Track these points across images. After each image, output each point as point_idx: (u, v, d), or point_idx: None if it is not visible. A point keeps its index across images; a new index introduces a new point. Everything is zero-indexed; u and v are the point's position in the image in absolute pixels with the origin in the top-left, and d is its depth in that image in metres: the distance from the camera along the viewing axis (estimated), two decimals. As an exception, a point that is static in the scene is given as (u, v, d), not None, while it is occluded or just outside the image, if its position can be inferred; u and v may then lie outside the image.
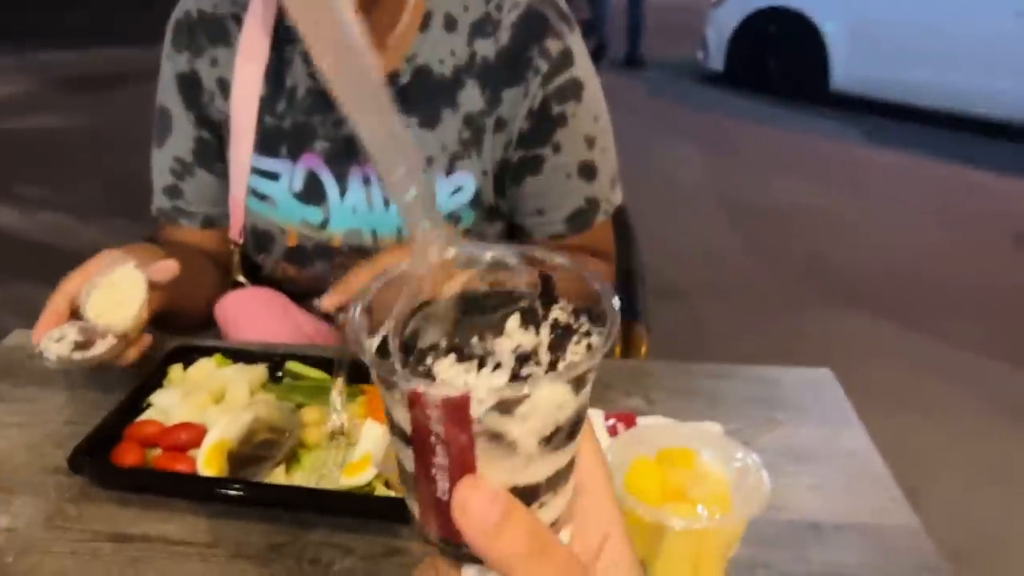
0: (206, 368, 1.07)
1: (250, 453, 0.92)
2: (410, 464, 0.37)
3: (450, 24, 1.17)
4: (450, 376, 0.36)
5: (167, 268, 1.01)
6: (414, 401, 0.34)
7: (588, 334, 0.39)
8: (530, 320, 0.38)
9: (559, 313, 0.40)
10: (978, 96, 5.51)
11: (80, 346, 0.95)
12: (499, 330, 0.38)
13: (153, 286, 1.01)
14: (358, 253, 1.25)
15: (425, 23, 1.17)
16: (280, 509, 0.88)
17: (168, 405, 1.00)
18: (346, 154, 1.21)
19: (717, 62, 7.00)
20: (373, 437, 0.93)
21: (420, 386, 0.33)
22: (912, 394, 2.82)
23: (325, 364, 1.07)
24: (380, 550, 0.85)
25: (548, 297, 0.40)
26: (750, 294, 3.48)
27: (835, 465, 0.99)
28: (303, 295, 1.33)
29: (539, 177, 1.20)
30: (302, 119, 1.21)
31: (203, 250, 1.32)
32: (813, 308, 3.43)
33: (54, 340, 0.94)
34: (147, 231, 1.50)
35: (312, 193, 1.23)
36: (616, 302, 0.38)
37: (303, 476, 0.91)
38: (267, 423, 0.95)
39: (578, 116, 1.19)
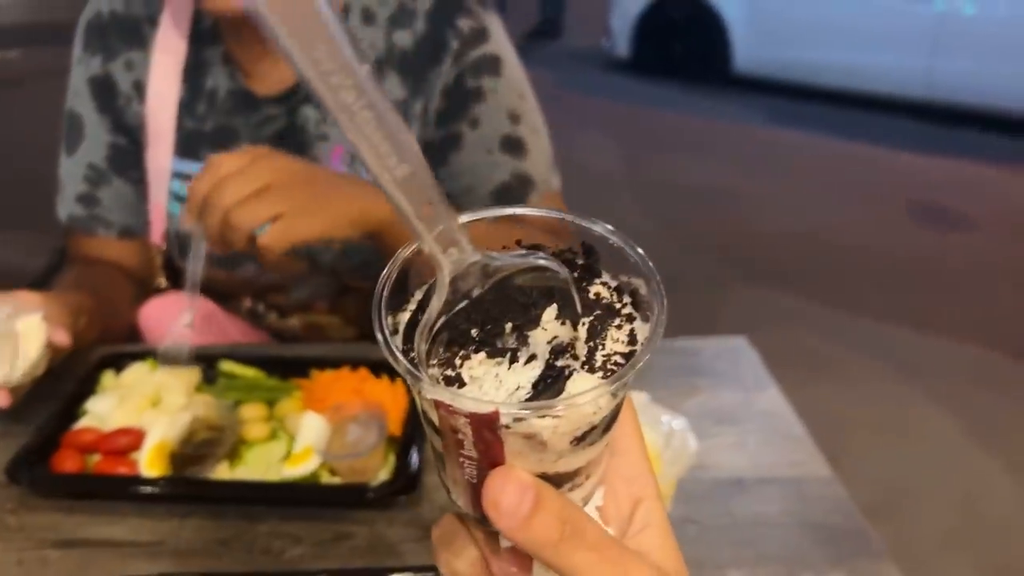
0: (139, 372, 1.06)
1: (192, 452, 0.93)
2: (439, 447, 0.37)
3: (368, 17, 1.18)
4: (480, 373, 0.35)
5: (61, 338, 0.99)
6: (440, 406, 0.33)
7: (631, 319, 0.37)
8: (568, 313, 0.37)
9: (601, 288, 0.38)
10: (869, 73, 5.77)
11: None
12: (535, 321, 0.36)
13: (50, 344, 0.98)
14: (289, 253, 1.24)
15: (343, 18, 1.18)
16: (227, 504, 0.89)
17: (104, 411, 0.99)
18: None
19: (623, 49, 7.12)
20: (313, 428, 0.95)
21: (446, 397, 0.33)
22: (821, 360, 2.96)
23: (258, 362, 1.09)
24: (329, 536, 0.87)
25: (590, 271, 0.39)
26: (666, 273, 3.53)
27: (754, 425, 1.06)
28: (230, 296, 1.32)
29: (460, 154, 1.19)
30: (223, 121, 1.20)
31: (120, 265, 1.28)
32: (725, 282, 3.55)
33: None
34: (56, 244, 1.42)
35: None
36: (661, 289, 0.37)
37: (247, 470, 0.93)
38: (206, 422, 0.96)
39: (499, 91, 1.19)
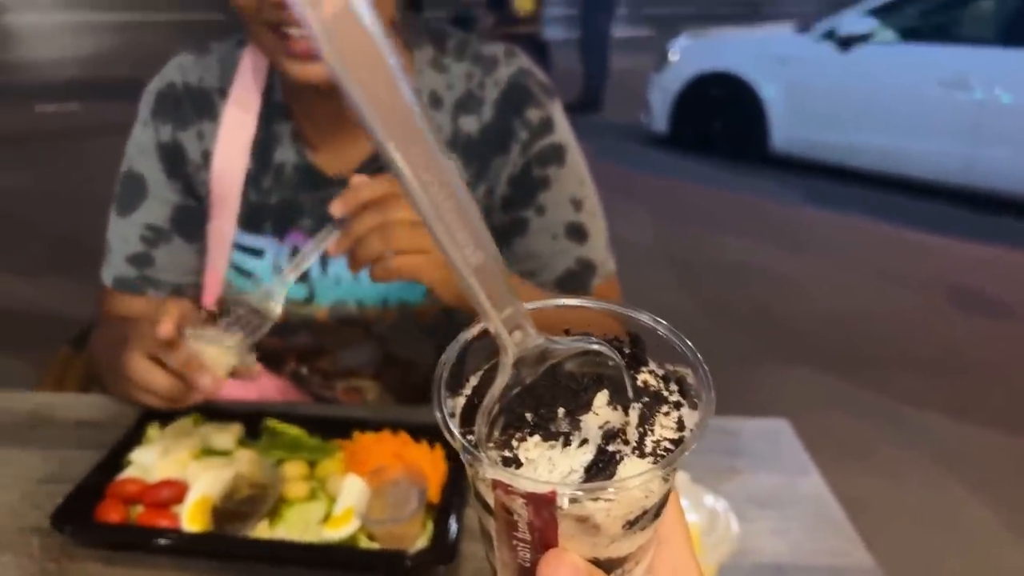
0: (184, 426, 1.08)
1: (233, 509, 0.93)
2: (491, 529, 0.38)
3: (435, 102, 1.21)
4: (535, 456, 0.36)
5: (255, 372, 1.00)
6: (498, 486, 0.34)
7: (678, 406, 0.39)
8: (618, 398, 0.38)
9: (648, 376, 0.40)
10: (908, 158, 5.79)
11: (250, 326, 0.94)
12: (587, 406, 0.37)
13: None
14: (344, 324, 1.25)
15: None
16: (266, 564, 0.89)
17: (148, 463, 1.01)
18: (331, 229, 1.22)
19: (661, 124, 7.22)
20: (354, 491, 0.95)
21: (505, 477, 0.34)
22: (859, 445, 2.91)
23: (301, 420, 1.10)
24: (364, 601, 0.87)
25: (637, 359, 0.40)
26: (701, 349, 3.55)
27: (795, 510, 1.04)
28: (277, 359, 1.33)
29: (526, 239, 1.22)
30: (289, 196, 1.22)
31: None
32: (760, 361, 3.52)
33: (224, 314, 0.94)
34: (92, 312, 1.40)
35: None
36: (709, 378, 0.38)
37: (286, 529, 0.93)
38: (249, 479, 0.97)
39: (561, 179, 1.22)
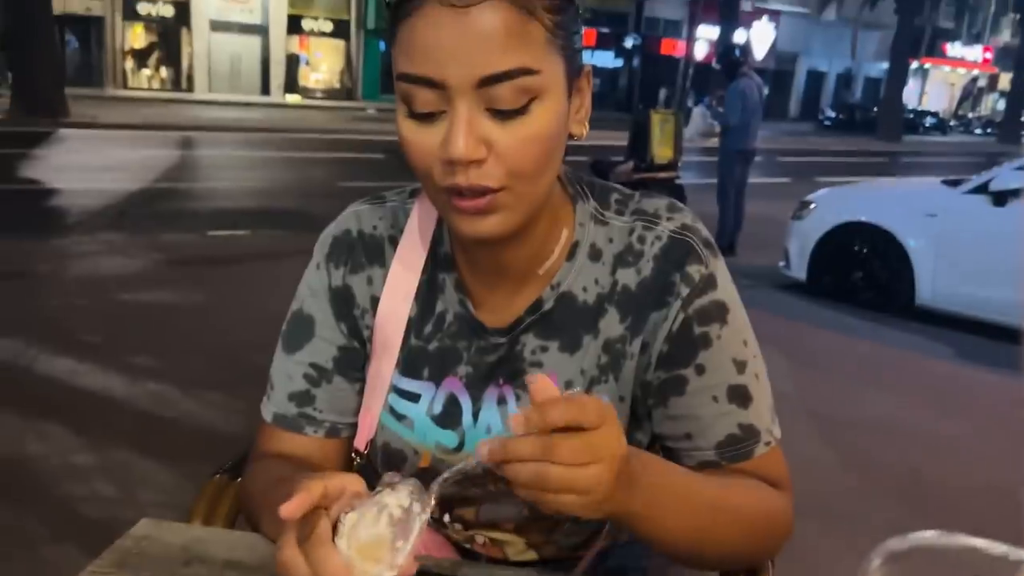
0: None
1: None
2: None
3: (595, 255, 1.22)
4: None
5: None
6: None
7: None
8: None
9: None
10: (1072, 319, 5.43)
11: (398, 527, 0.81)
12: None
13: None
14: (491, 474, 1.25)
15: (572, 253, 1.22)
16: None
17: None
18: (487, 377, 1.24)
19: (800, 272, 7.08)
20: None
21: None
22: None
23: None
24: None
25: None
26: (850, 513, 3.34)
27: None
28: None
29: (683, 399, 1.18)
30: (448, 344, 1.25)
31: (312, 463, 1.28)
32: (914, 530, 3.27)
33: (370, 516, 0.81)
34: (245, 431, 1.45)
35: (449, 416, 1.25)
36: None
37: None
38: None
39: (724, 338, 1.18)
